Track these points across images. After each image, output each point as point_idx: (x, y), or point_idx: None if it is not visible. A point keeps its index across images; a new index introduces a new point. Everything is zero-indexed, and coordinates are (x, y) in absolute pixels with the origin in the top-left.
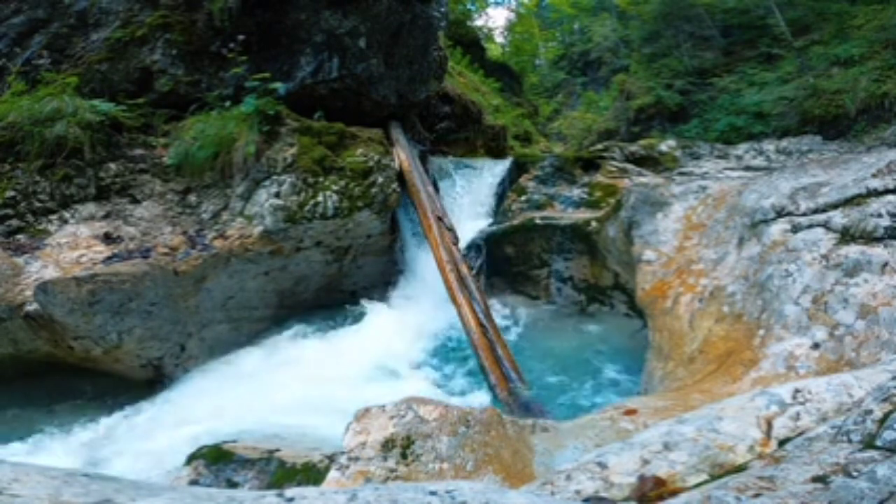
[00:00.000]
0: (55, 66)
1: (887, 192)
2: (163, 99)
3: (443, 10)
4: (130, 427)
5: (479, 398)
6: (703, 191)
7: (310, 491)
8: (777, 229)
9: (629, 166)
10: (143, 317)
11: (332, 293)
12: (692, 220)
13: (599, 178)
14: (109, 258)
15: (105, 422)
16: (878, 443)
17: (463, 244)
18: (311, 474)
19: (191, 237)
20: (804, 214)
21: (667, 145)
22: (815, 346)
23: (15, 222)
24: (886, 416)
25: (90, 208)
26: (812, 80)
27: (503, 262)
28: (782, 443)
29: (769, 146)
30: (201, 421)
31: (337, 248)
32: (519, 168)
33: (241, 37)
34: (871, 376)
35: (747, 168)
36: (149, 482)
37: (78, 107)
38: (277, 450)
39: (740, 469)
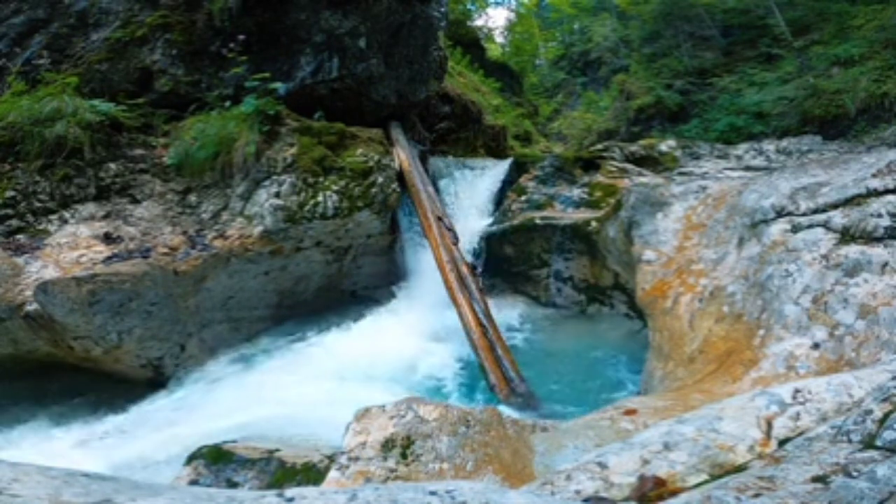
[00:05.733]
0: (55, 66)
1: (887, 192)
2: (163, 99)
3: (443, 10)
4: (130, 427)
5: (479, 398)
6: (703, 191)
7: (310, 491)
8: (777, 229)
9: (629, 166)
10: (143, 317)
11: (332, 293)
12: (692, 220)
13: (599, 178)
14: (109, 258)
15: (105, 422)
16: (878, 443)
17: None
18: (311, 474)
19: (191, 237)
20: (804, 214)
21: (667, 145)
22: (815, 346)
23: (15, 222)
24: (886, 416)
25: (90, 208)
26: (812, 80)
27: (503, 262)
28: (782, 443)
29: (769, 146)
30: (201, 421)
31: (337, 248)
32: (519, 168)
33: (241, 37)
34: (871, 376)
35: (747, 168)
36: (149, 482)
37: (78, 107)
38: (277, 450)
39: (740, 469)
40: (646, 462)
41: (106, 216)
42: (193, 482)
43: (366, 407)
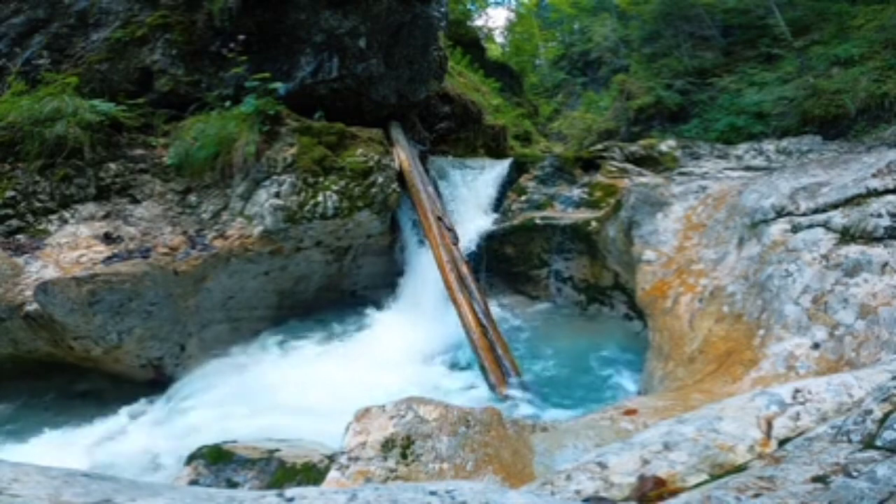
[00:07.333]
0: (55, 66)
1: (887, 192)
2: (163, 99)
3: (443, 10)
4: (130, 427)
5: (480, 398)
6: (703, 191)
7: (310, 491)
8: (777, 229)
9: (629, 166)
10: (143, 317)
11: (332, 293)
12: (692, 220)
13: (599, 178)
14: (109, 258)
15: (105, 422)
16: (878, 443)
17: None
18: (311, 474)
19: (191, 237)
20: (804, 214)
21: (667, 145)
22: (815, 346)
23: (15, 222)
24: (886, 416)
25: (90, 208)
26: (812, 80)
27: (503, 262)
28: (782, 443)
29: (769, 146)
30: (201, 421)
31: (337, 248)
32: (519, 168)
33: (241, 37)
34: (871, 376)
35: (747, 168)
36: (149, 482)
37: (78, 107)
38: (277, 450)
39: (740, 469)
40: (646, 462)
41: (106, 216)
42: (193, 482)
43: (365, 407)
